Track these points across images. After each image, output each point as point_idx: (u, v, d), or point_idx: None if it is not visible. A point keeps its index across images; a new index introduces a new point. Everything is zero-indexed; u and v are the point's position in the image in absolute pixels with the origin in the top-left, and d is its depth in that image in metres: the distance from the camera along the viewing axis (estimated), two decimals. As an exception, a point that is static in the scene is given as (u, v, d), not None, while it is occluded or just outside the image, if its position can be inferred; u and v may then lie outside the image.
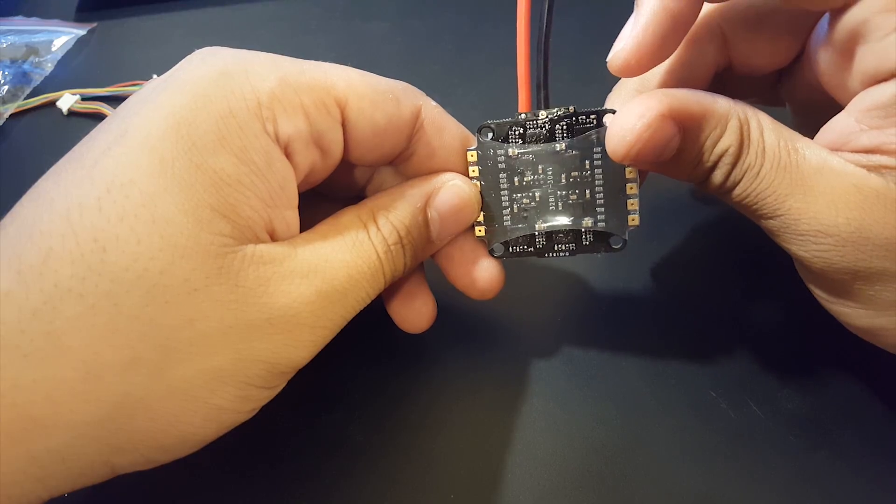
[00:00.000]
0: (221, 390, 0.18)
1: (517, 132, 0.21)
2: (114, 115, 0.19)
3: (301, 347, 0.18)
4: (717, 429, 0.23)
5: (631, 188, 0.21)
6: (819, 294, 0.22)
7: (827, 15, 0.20)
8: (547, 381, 0.25)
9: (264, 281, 0.18)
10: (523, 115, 0.21)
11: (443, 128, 0.22)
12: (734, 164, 0.19)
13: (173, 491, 0.22)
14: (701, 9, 0.20)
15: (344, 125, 0.20)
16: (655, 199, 0.32)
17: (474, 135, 0.22)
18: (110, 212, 0.16)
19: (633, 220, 0.21)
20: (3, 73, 0.41)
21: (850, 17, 0.19)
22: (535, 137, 0.21)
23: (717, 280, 0.28)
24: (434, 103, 0.22)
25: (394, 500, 0.22)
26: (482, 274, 0.23)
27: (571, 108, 0.21)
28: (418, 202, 0.21)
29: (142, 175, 0.17)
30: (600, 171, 0.21)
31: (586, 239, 0.22)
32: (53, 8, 0.47)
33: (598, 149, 0.21)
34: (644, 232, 0.30)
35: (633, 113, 0.19)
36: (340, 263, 0.19)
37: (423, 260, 0.23)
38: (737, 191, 0.20)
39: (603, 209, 0.22)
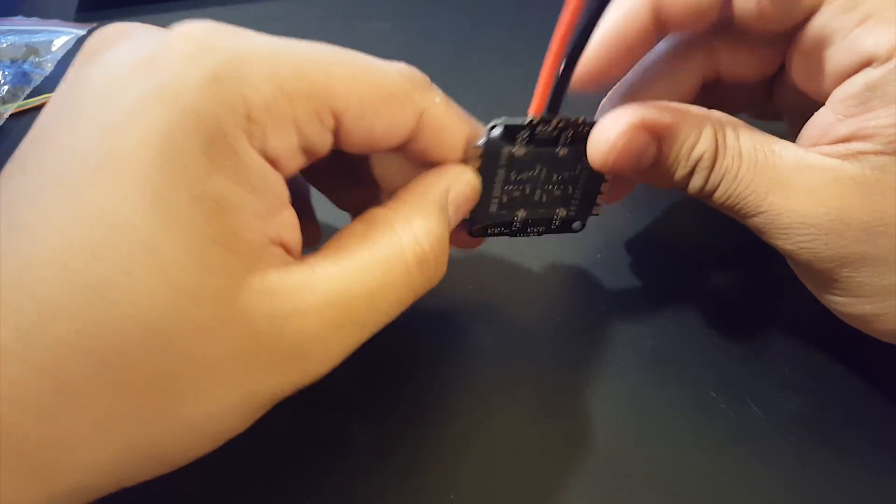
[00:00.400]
0: (229, 421, 0.18)
1: (525, 134, 0.22)
2: (89, 115, 0.16)
3: (308, 375, 0.18)
4: (717, 429, 0.23)
5: (604, 188, 0.24)
6: (811, 286, 0.23)
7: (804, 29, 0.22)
8: (546, 381, 0.25)
9: (275, 318, 0.17)
10: (535, 119, 0.21)
11: (445, 126, 0.21)
12: (711, 169, 0.21)
13: (173, 491, 0.22)
14: (658, 38, 0.23)
15: (337, 129, 0.19)
16: (654, 198, 0.32)
17: (484, 126, 0.22)
18: (108, 258, 0.15)
19: (596, 210, 0.24)
20: (3, 73, 0.41)
21: (815, 24, 0.21)
22: (542, 142, 0.22)
23: (717, 280, 0.28)
24: (440, 97, 0.21)
25: (394, 500, 0.22)
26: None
27: (582, 118, 0.21)
28: (442, 200, 0.21)
29: (139, 214, 0.15)
30: (587, 173, 0.23)
31: (554, 224, 0.24)
32: (53, 8, 0.47)
33: None
34: (644, 231, 0.30)
35: (608, 125, 0.21)
36: (363, 291, 0.18)
37: None
38: (717, 194, 0.21)
39: (577, 203, 0.24)
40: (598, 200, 0.24)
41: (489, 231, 0.24)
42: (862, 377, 0.24)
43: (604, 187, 0.24)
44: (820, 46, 0.21)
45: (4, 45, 0.43)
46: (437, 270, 0.20)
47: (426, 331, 0.24)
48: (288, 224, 0.19)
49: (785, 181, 0.20)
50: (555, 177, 0.23)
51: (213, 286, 0.16)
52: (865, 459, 0.23)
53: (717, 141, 0.20)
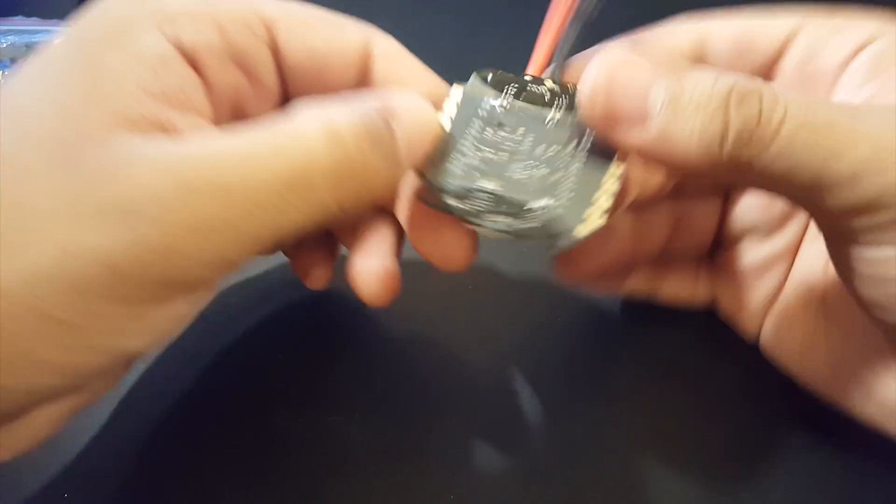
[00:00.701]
0: (50, 296, 0.14)
1: (513, 88, 0.19)
2: None
3: (144, 241, 0.14)
4: (717, 428, 0.23)
5: (608, 183, 0.18)
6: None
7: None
8: (546, 382, 0.25)
9: (110, 167, 0.15)
10: (529, 77, 0.19)
11: (402, 60, 0.20)
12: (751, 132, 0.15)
13: (172, 492, 0.22)
14: None
15: (275, 50, 0.19)
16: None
17: (472, 75, 0.19)
18: None
19: (596, 217, 0.18)
20: (3, 73, 0.41)
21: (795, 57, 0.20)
22: (530, 99, 0.19)
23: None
24: (394, 42, 0.20)
25: (394, 500, 0.22)
26: (451, 243, 0.19)
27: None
28: (376, 103, 0.17)
29: (23, 75, 0.16)
30: (585, 156, 0.18)
31: (530, 215, 0.18)
32: (53, 8, 0.47)
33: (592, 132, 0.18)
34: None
35: (601, 58, 0.16)
36: (238, 157, 0.15)
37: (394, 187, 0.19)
38: (764, 160, 0.15)
39: (571, 195, 0.18)
40: (600, 200, 0.18)
41: (445, 202, 0.18)
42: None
43: (608, 183, 0.18)
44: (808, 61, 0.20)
45: (4, 45, 0.43)
46: (365, 167, 0.16)
47: (426, 331, 0.24)
48: (192, 125, 0.17)
49: (852, 135, 0.15)
50: (541, 150, 0.18)
51: (61, 132, 0.15)
52: (866, 459, 0.23)
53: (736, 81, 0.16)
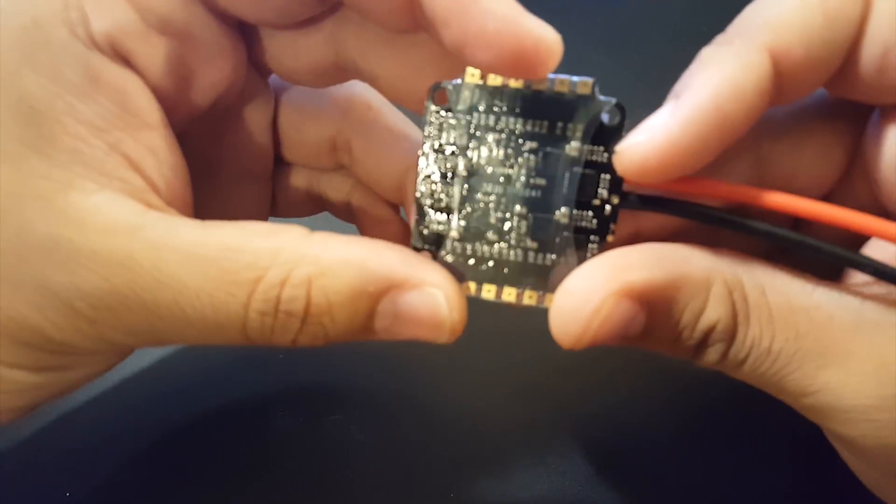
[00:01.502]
0: None
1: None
2: None
3: (79, 337, 0.15)
4: (717, 428, 0.23)
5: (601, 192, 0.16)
6: (869, 478, 0.17)
7: (879, 116, 0.16)
8: (547, 382, 0.25)
9: (52, 245, 0.14)
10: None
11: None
12: (730, 342, 0.15)
13: (172, 491, 0.22)
14: (755, 120, 0.15)
15: None
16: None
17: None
18: None
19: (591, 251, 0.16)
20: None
21: None
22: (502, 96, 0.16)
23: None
24: None
25: (394, 500, 0.22)
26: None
27: (589, 83, 0.16)
28: (371, 285, 0.15)
29: None
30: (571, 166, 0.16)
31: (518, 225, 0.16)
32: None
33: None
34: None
35: (579, 292, 0.15)
36: (175, 283, 0.14)
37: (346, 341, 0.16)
38: (746, 369, 0.15)
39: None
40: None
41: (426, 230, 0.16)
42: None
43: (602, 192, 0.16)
44: None
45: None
46: (297, 336, 0.15)
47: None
48: (150, 146, 0.16)
49: (842, 349, 0.14)
50: (523, 151, 0.16)
51: (4, 187, 0.14)
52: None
53: (733, 302, 0.15)
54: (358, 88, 0.21)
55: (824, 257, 0.15)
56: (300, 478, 0.22)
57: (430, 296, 0.15)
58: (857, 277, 0.17)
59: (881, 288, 0.16)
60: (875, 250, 0.17)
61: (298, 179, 0.22)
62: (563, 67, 0.15)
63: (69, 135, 0.14)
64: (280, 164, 0.22)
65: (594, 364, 0.25)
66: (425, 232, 0.17)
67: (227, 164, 0.21)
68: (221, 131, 0.20)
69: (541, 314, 0.17)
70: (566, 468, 0.23)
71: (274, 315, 0.15)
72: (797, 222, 0.18)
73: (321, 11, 0.18)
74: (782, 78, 0.15)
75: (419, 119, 0.17)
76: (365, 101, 0.21)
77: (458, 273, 0.16)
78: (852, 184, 0.18)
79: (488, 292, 0.16)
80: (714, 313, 0.15)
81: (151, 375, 0.25)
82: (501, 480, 0.22)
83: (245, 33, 0.18)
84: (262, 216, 0.22)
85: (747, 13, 0.15)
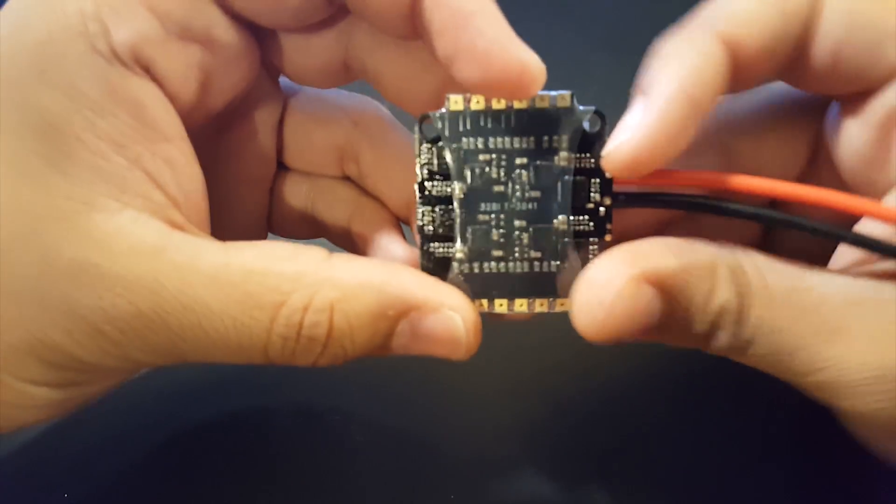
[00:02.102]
0: (26, 367, 0.15)
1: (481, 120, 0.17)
2: None
3: (105, 357, 0.15)
4: (717, 429, 0.23)
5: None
6: (882, 448, 0.17)
7: (838, 107, 0.17)
8: (546, 382, 0.25)
9: (77, 269, 0.14)
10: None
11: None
12: (740, 322, 0.15)
13: (171, 491, 0.22)
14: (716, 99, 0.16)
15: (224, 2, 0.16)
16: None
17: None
18: None
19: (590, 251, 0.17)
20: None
21: (886, 101, 0.16)
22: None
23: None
24: None
25: (394, 502, 0.22)
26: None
27: (567, 95, 0.17)
28: (391, 308, 0.15)
29: None
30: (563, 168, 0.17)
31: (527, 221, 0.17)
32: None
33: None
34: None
35: (600, 280, 0.15)
36: (199, 307, 0.14)
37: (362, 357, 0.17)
38: (753, 351, 0.16)
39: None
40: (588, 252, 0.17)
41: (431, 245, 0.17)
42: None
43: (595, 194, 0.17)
44: (887, 129, 0.16)
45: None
46: (318, 357, 0.16)
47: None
48: (168, 159, 0.16)
49: (840, 325, 0.15)
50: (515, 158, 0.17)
51: (27, 204, 0.14)
52: (866, 459, 0.23)
53: (738, 285, 0.15)
54: (369, 101, 0.21)
55: (814, 234, 0.16)
56: (300, 478, 0.23)
57: (448, 318, 0.16)
58: (841, 260, 0.17)
59: (865, 268, 0.16)
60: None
61: (298, 191, 0.22)
62: (564, 66, 0.16)
63: (89, 151, 0.14)
64: (281, 173, 0.22)
65: (596, 365, 0.25)
66: (432, 256, 0.17)
67: (227, 166, 0.20)
68: (225, 131, 0.20)
69: (542, 318, 0.17)
70: (567, 470, 0.23)
71: (296, 339, 0.15)
72: (774, 205, 0.19)
73: (334, 13, 0.18)
74: (738, 67, 0.16)
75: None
76: (376, 114, 0.21)
77: (469, 292, 0.17)
78: (818, 173, 0.19)
79: (500, 306, 0.17)
80: (722, 295, 0.15)
81: (150, 376, 0.25)
82: (502, 482, 0.22)
83: (257, 34, 0.18)
84: (261, 226, 0.22)
85: (704, 8, 0.16)
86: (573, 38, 0.38)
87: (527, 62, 0.15)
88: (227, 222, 0.20)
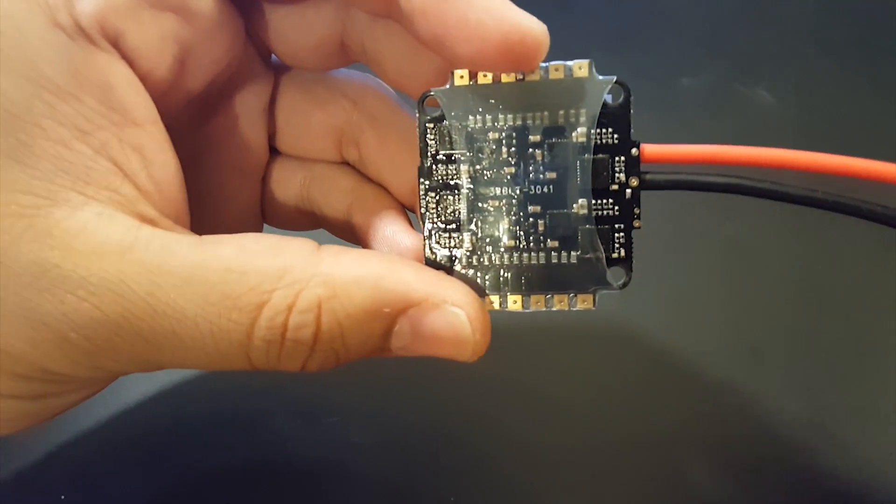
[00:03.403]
0: None
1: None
2: None
3: (75, 367, 0.14)
4: (717, 429, 0.23)
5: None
6: None
7: None
8: (546, 383, 0.25)
9: (37, 271, 0.13)
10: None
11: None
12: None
13: (170, 492, 0.22)
14: None
15: None
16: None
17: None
18: None
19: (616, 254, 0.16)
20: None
21: None
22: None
23: (717, 286, 0.28)
24: None
25: (393, 502, 0.22)
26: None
27: (585, 64, 0.15)
28: (387, 305, 0.14)
29: None
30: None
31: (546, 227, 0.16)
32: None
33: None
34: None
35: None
36: (171, 311, 0.13)
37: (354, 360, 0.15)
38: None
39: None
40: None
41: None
42: (864, 378, 0.24)
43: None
44: None
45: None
46: (306, 361, 0.15)
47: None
48: (138, 148, 0.14)
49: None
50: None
51: None
52: (867, 461, 0.22)
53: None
54: (370, 80, 0.19)
55: (870, 218, 0.15)
56: (297, 480, 0.22)
57: (452, 315, 0.15)
58: None
59: None
60: None
61: (293, 179, 0.20)
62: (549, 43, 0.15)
63: (50, 140, 0.13)
64: (274, 160, 0.20)
65: (596, 367, 0.25)
66: (437, 247, 0.16)
67: (214, 154, 0.19)
68: (209, 116, 0.19)
69: (540, 317, 0.17)
70: (567, 471, 0.23)
71: (281, 343, 0.14)
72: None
73: None
74: None
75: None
76: (378, 93, 0.19)
77: (478, 287, 0.16)
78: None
79: (514, 303, 0.16)
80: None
81: (148, 377, 0.25)
82: (502, 484, 0.22)
83: (242, 5, 0.17)
84: (254, 217, 0.21)
85: None
86: (574, 34, 0.38)
87: (527, 26, 0.14)
88: (217, 216, 0.19)
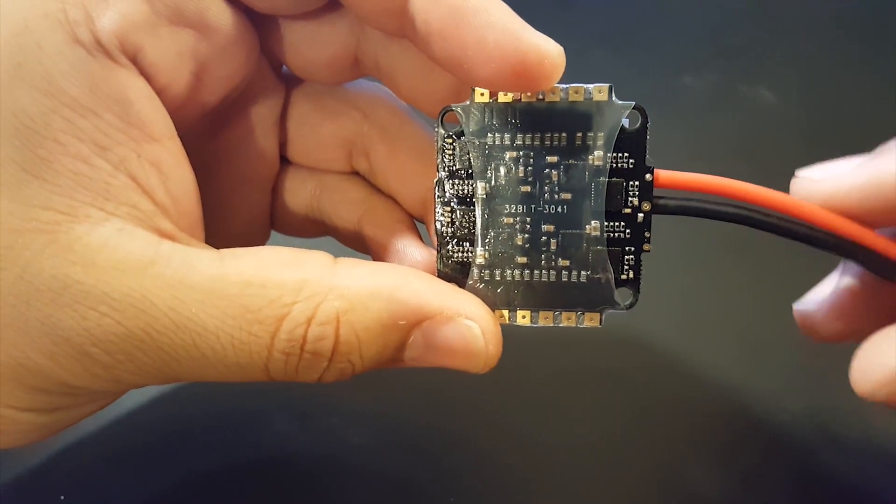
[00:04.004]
0: (6, 392, 0.14)
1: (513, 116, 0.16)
2: None
3: (94, 381, 0.14)
4: (718, 429, 0.23)
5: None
6: None
7: None
8: (547, 383, 0.25)
9: (59, 287, 0.13)
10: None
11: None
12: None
13: (170, 493, 0.22)
14: None
15: None
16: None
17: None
18: None
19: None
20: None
21: None
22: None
23: (718, 288, 0.28)
24: None
25: (393, 503, 0.22)
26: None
27: (605, 88, 0.15)
28: (402, 318, 0.14)
29: None
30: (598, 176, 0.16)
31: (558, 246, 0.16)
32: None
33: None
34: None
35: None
36: (193, 325, 0.13)
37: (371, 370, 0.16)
38: None
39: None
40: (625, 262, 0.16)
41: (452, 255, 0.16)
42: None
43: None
44: None
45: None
46: (322, 373, 0.15)
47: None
48: (156, 163, 0.14)
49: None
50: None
51: (3, 215, 0.13)
52: (868, 460, 0.22)
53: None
54: (380, 90, 0.20)
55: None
56: (296, 481, 0.22)
57: (465, 328, 0.15)
58: None
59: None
60: None
61: (303, 188, 0.20)
62: (565, 63, 0.15)
63: (69, 156, 0.13)
64: (285, 169, 0.21)
65: (596, 367, 0.25)
66: (450, 260, 0.16)
67: (225, 164, 0.19)
68: (222, 127, 0.19)
69: (557, 329, 0.16)
70: (567, 471, 0.23)
71: (300, 355, 0.14)
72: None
73: (335, 1, 0.16)
74: None
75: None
76: (388, 104, 0.19)
77: (489, 301, 0.16)
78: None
79: (523, 318, 0.16)
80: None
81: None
82: (502, 484, 0.22)
83: (257, 20, 0.17)
84: (264, 225, 0.21)
85: None
86: (575, 33, 0.38)
87: (545, 49, 0.14)
88: (226, 224, 0.19)
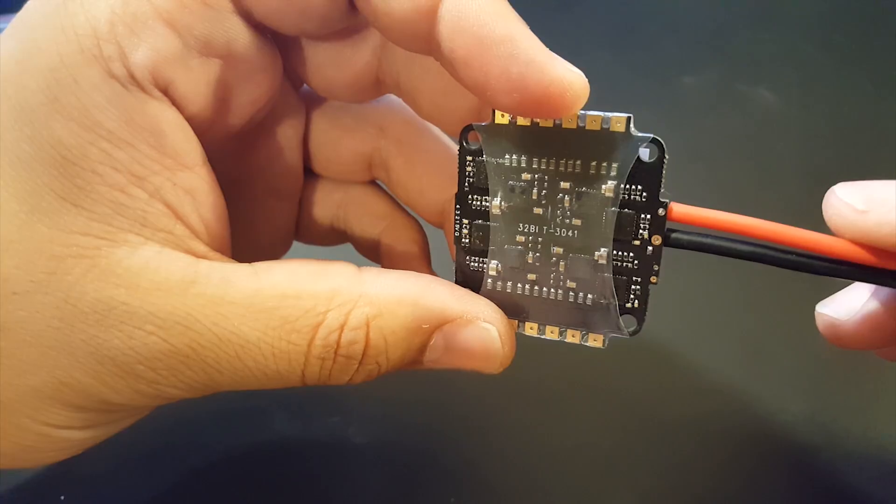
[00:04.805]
0: (47, 411, 0.15)
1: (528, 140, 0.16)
2: None
3: (137, 397, 0.15)
4: (718, 430, 0.23)
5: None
6: None
7: None
8: (547, 383, 0.25)
9: (103, 309, 0.13)
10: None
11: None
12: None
13: (170, 494, 0.22)
14: None
15: (244, 10, 0.15)
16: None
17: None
18: None
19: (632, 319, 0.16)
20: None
21: None
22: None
23: (717, 288, 0.28)
24: None
25: (393, 503, 0.22)
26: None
27: (623, 119, 0.15)
28: (426, 321, 0.15)
29: None
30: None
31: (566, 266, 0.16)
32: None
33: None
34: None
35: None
36: (235, 338, 0.14)
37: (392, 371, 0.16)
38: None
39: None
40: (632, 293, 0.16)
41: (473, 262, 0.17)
42: (864, 379, 0.24)
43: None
44: None
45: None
46: (353, 375, 0.15)
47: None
48: (189, 190, 0.15)
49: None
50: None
51: (41, 242, 0.13)
52: (867, 461, 0.22)
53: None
54: (396, 104, 0.20)
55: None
56: (298, 480, 0.22)
57: (484, 331, 0.16)
58: None
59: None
60: None
61: (329, 199, 0.21)
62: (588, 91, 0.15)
63: (106, 185, 0.14)
64: (311, 181, 0.21)
65: (597, 368, 0.25)
66: (466, 270, 0.17)
67: (253, 181, 0.20)
68: (249, 147, 0.19)
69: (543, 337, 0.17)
70: (567, 471, 0.23)
71: (333, 359, 0.15)
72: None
73: (359, 21, 0.17)
74: None
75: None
76: (405, 117, 0.20)
77: (503, 308, 0.16)
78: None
79: (531, 329, 0.17)
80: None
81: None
82: (502, 484, 0.22)
83: (280, 42, 0.17)
84: (288, 235, 0.21)
85: None
86: (575, 33, 0.38)
87: (569, 81, 0.14)
88: (254, 236, 0.20)
